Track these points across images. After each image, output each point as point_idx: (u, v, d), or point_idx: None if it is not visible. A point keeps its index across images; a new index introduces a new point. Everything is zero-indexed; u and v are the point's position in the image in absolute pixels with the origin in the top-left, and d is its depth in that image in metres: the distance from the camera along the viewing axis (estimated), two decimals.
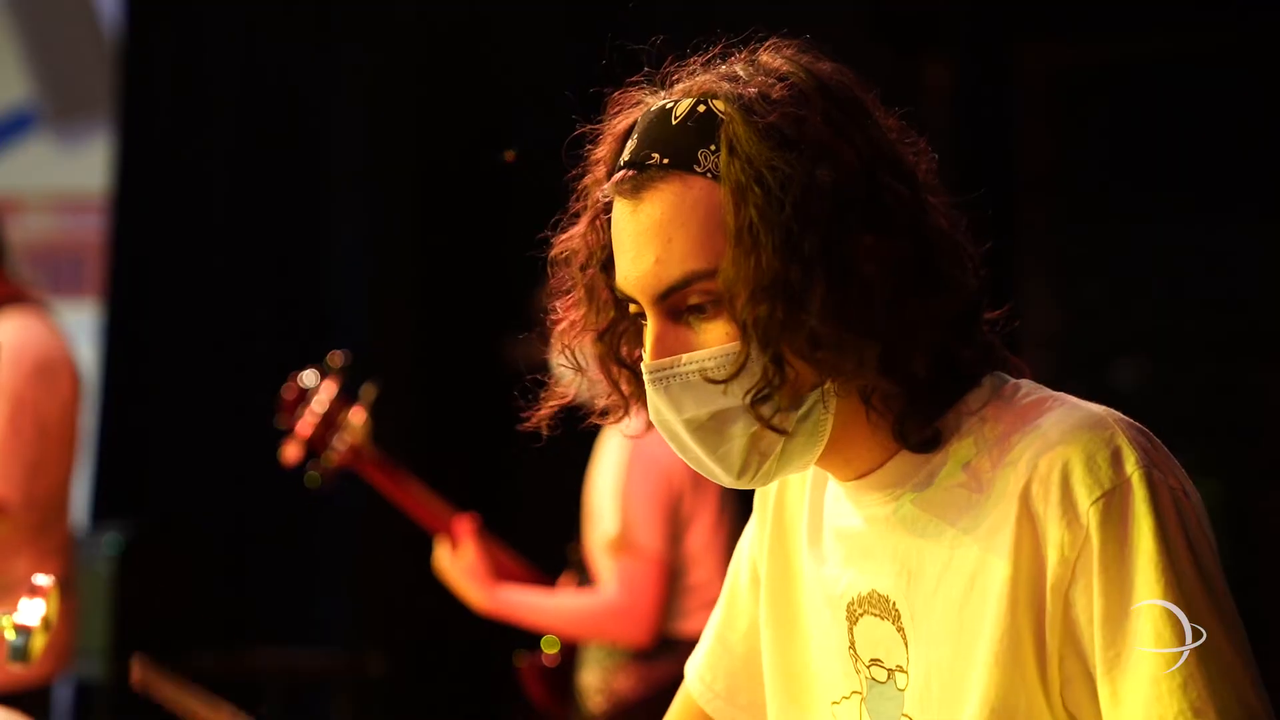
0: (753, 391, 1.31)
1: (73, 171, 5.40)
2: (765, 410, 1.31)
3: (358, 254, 4.89)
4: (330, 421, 3.19)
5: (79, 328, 4.73)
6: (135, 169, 5.12)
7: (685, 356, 1.33)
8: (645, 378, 1.35)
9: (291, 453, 3.19)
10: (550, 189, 1.48)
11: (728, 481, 1.36)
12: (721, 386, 1.31)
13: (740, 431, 1.33)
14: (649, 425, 1.41)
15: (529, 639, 3.44)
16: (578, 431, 1.49)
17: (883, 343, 1.30)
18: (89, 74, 5.49)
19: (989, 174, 4.36)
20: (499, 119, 4.43)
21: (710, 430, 1.34)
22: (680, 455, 1.38)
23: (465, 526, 3.14)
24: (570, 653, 3.19)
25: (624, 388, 1.43)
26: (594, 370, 1.44)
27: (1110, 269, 4.50)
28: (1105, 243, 4.51)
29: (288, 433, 3.20)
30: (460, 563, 3.10)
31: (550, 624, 3.11)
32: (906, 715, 1.36)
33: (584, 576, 3.18)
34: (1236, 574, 4.59)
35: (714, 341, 1.32)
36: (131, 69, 5.19)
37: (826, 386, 1.32)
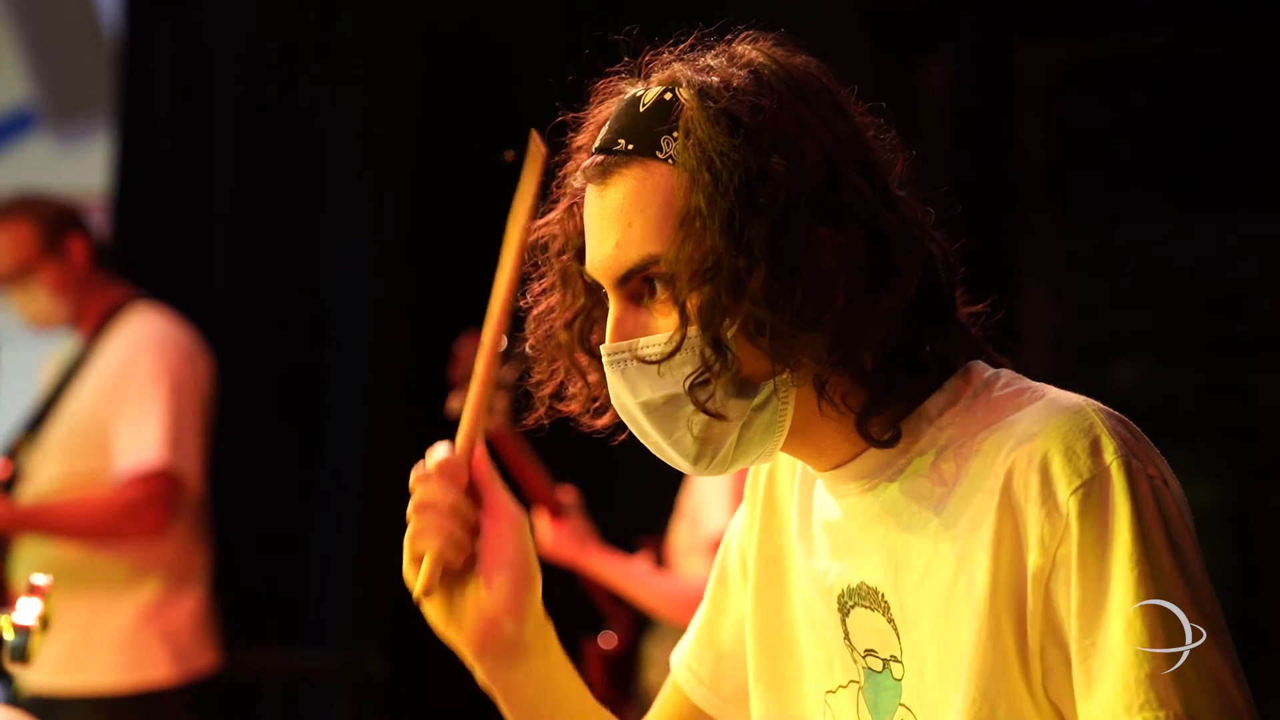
0: (691, 376, 1.32)
1: (73, 171, 5.39)
2: (701, 395, 1.32)
3: (358, 254, 4.90)
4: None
5: None
6: (135, 169, 5.12)
7: (641, 340, 1.35)
8: (604, 361, 1.37)
9: (455, 406, 3.32)
10: (549, 189, 1.48)
11: (686, 467, 1.38)
12: (657, 368, 1.33)
13: (693, 416, 1.34)
14: (610, 414, 1.43)
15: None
16: (564, 429, 1.49)
17: (830, 332, 1.31)
18: (89, 74, 5.49)
19: (988, 174, 4.36)
20: (500, 118, 4.42)
21: (664, 414, 1.35)
22: (641, 440, 1.39)
23: (570, 497, 3.27)
24: (634, 639, 3.31)
25: (590, 376, 1.44)
26: (562, 356, 1.45)
27: (1110, 269, 4.50)
28: (1105, 242, 4.51)
29: (455, 387, 3.36)
30: (565, 532, 3.23)
31: (646, 599, 3.18)
32: (905, 705, 1.37)
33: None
34: (1236, 574, 4.56)
35: (667, 328, 1.34)
36: (131, 69, 5.19)
37: (783, 377, 1.33)
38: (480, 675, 1.46)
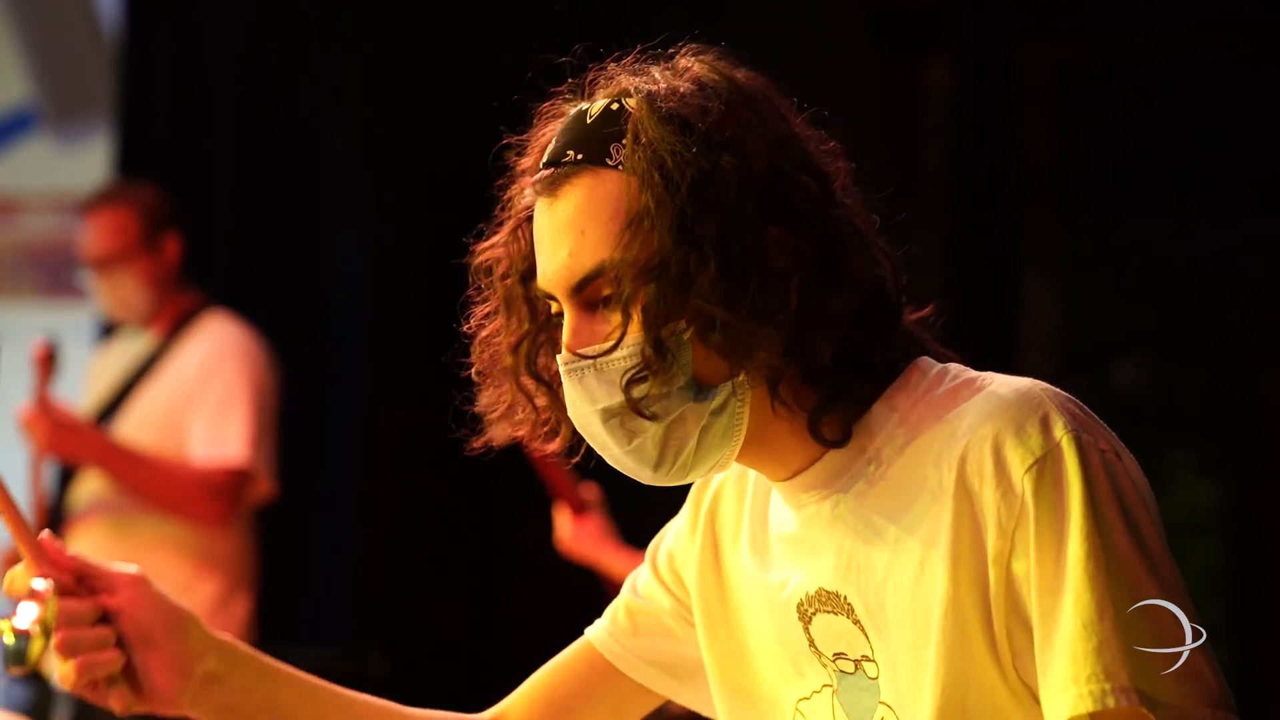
0: (629, 372, 1.32)
1: (73, 171, 5.39)
2: (636, 392, 1.32)
3: (358, 254, 4.89)
4: None
5: (79, 328, 4.72)
6: (135, 169, 5.11)
7: (597, 347, 1.34)
8: (560, 370, 1.37)
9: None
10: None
11: (646, 476, 1.38)
12: (591, 362, 1.33)
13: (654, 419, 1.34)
14: (561, 437, 1.43)
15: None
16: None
17: (784, 329, 1.31)
18: (89, 74, 5.48)
19: (991, 172, 4.36)
20: (500, 119, 4.42)
21: (624, 420, 1.35)
22: (600, 454, 1.39)
23: (592, 494, 3.23)
24: None
25: (537, 400, 1.44)
26: (508, 381, 1.45)
27: (1110, 269, 4.50)
28: (1105, 242, 4.51)
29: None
30: (586, 529, 3.19)
31: None
32: (885, 703, 1.37)
33: None
34: (1236, 574, 4.55)
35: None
36: (131, 69, 5.18)
37: (740, 379, 1.34)
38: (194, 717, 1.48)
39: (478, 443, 1.49)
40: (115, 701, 1.40)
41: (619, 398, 1.34)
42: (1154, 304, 4.44)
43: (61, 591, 1.38)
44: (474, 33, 4.80)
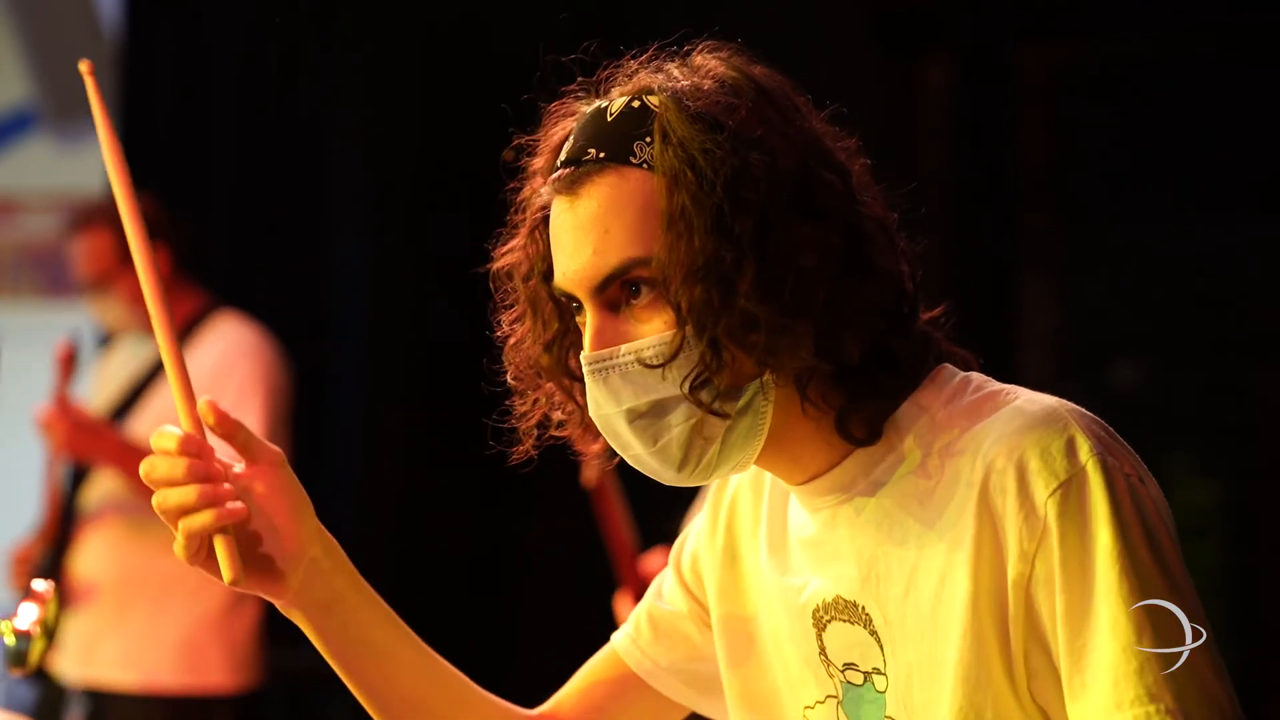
0: (690, 377, 1.31)
1: (73, 171, 5.39)
2: (705, 395, 1.31)
3: (358, 254, 4.90)
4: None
5: (78, 329, 4.72)
6: (135, 169, 5.10)
7: (624, 346, 1.33)
8: (584, 370, 1.35)
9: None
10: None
11: (669, 476, 1.36)
12: (659, 372, 1.31)
13: (679, 420, 1.33)
14: (603, 442, 1.41)
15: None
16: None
17: (816, 326, 1.30)
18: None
19: (988, 174, 4.36)
20: (500, 119, 4.42)
21: (649, 420, 1.34)
22: (621, 454, 1.38)
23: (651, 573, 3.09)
24: None
25: (578, 398, 1.42)
26: (545, 383, 1.44)
27: (1110, 269, 4.50)
28: (1105, 243, 4.51)
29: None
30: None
31: None
32: (890, 717, 1.37)
33: None
34: (1236, 574, 4.55)
35: (653, 331, 1.33)
36: (131, 69, 5.19)
37: (765, 378, 1.33)
38: (295, 612, 1.48)
39: (517, 454, 1.47)
40: (226, 567, 1.35)
41: (646, 398, 1.33)
42: (1152, 305, 4.44)
43: (204, 454, 1.35)
44: (474, 33, 4.81)
